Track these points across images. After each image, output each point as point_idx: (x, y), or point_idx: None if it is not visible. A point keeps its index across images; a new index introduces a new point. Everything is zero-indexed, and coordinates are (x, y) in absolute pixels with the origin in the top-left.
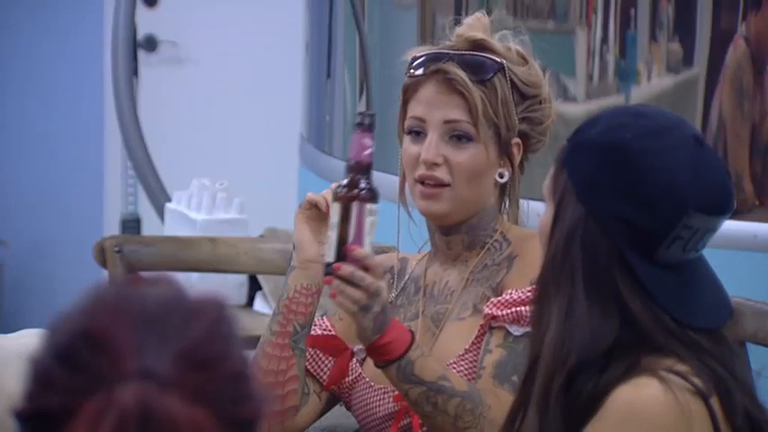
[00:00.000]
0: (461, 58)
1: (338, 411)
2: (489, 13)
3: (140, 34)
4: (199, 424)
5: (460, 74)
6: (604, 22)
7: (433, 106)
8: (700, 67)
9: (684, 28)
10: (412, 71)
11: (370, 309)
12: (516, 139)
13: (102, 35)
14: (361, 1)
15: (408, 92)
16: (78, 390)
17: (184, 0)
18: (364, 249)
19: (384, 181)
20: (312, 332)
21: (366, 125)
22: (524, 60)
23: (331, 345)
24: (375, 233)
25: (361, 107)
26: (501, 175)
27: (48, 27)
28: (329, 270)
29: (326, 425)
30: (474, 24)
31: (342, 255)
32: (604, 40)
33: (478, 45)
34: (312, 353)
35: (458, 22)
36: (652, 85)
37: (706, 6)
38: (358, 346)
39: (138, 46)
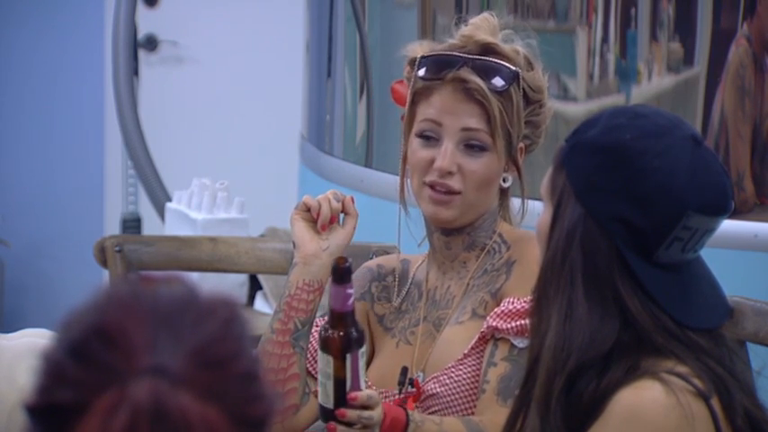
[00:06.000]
0: (476, 64)
1: None
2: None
3: (141, 34)
4: (210, 422)
5: (479, 82)
6: (605, 22)
7: (448, 112)
8: (700, 67)
9: (685, 27)
10: (422, 73)
11: None
12: (521, 144)
13: (102, 35)
14: (362, 0)
15: (418, 94)
16: (91, 384)
17: (185, 0)
18: (365, 392)
19: (384, 180)
20: (313, 332)
21: (347, 277)
22: (530, 65)
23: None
24: (365, 367)
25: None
26: (504, 180)
27: (48, 27)
28: (330, 416)
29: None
30: (482, 25)
31: (342, 401)
32: (605, 39)
33: (488, 49)
34: (313, 352)
35: (461, 21)
36: (653, 85)
37: (706, 5)
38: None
39: (138, 45)
